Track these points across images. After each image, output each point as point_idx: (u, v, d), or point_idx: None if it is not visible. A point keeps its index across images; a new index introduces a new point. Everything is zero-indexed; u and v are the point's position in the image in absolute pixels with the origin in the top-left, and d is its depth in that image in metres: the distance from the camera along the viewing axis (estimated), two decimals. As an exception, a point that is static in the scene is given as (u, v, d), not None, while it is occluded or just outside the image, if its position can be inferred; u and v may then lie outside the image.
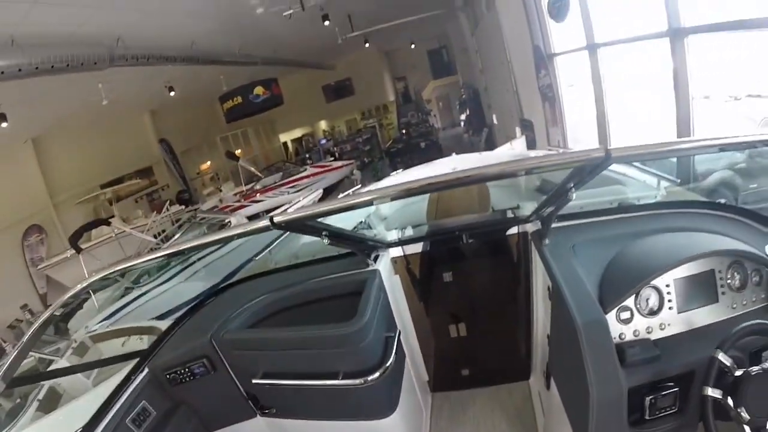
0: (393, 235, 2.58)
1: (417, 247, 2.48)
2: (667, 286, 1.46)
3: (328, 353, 1.76)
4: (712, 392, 1.21)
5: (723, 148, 1.62)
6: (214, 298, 2.40)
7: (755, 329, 1.26)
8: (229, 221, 7.76)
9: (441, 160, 5.41)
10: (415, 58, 20.03)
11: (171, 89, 11.42)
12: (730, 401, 1.19)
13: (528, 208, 2.40)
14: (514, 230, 2.35)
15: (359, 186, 8.08)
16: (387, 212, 4.95)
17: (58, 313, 1.65)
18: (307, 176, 10.42)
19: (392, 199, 1.51)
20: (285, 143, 19.00)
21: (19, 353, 1.61)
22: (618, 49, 5.70)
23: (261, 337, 1.93)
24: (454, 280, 2.56)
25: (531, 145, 8.81)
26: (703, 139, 1.38)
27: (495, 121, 12.96)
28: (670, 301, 1.46)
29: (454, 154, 5.55)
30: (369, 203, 1.44)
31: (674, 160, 3.42)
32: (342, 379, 1.71)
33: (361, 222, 3.86)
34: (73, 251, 7.36)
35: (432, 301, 2.66)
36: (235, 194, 10.55)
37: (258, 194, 9.71)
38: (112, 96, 9.36)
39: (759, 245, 1.50)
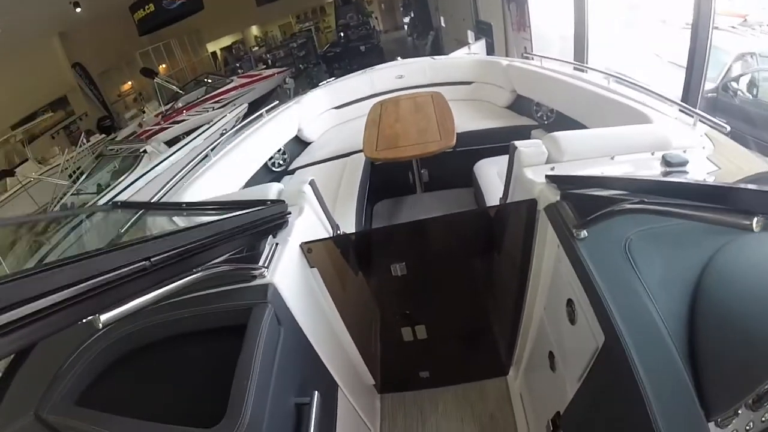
0: (305, 197, 1.69)
1: (350, 221, 1.80)
2: None
3: None
4: None
5: None
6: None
7: None
8: (144, 150, 6.85)
9: (383, 65, 4.47)
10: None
11: (76, 5, 10.11)
12: None
13: (534, 153, 1.64)
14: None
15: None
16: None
17: None
18: (234, 88, 9.31)
19: None
20: (214, 53, 17.20)
21: None
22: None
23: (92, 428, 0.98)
24: (408, 273, 1.77)
25: (489, 51, 7.89)
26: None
27: (443, 24, 12.15)
28: None
29: (399, 58, 4.52)
30: None
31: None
32: None
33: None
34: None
35: (374, 297, 1.96)
36: (157, 115, 9.41)
37: (178, 114, 8.61)
38: (7, 20, 7.95)
39: None
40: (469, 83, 4.24)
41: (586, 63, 5.44)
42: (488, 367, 2.24)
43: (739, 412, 0.84)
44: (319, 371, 1.48)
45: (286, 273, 1.32)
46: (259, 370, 0.97)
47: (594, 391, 1.14)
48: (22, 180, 7.86)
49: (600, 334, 0.99)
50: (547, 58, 3.50)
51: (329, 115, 4.34)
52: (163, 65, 15.46)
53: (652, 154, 1.54)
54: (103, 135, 11.16)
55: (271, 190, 1.72)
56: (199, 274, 0.97)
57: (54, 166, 8.91)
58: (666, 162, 1.33)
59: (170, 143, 7.08)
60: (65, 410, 0.99)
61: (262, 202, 1.53)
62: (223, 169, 2.80)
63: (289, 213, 1.56)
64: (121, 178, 5.85)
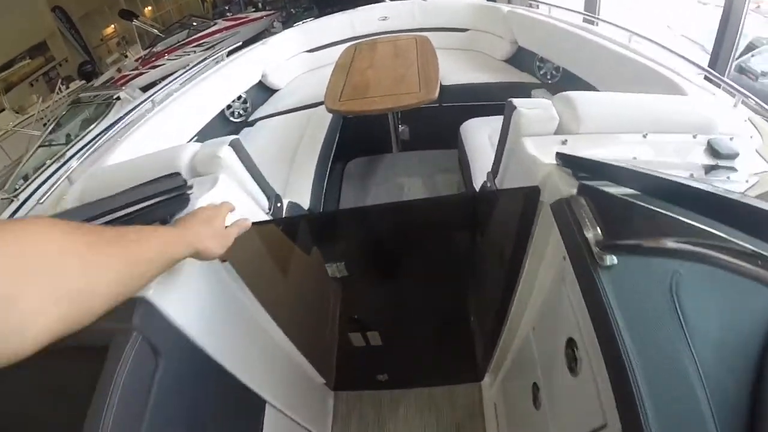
0: (221, 163, 1.31)
1: (307, 183, 1.65)
2: None
3: None
4: None
5: None
6: None
7: None
8: (118, 97, 6.38)
9: (368, 6, 4.00)
10: None
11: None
12: None
13: (540, 117, 1.25)
14: None
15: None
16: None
17: None
18: (217, 31, 8.68)
19: None
20: (202, -5, 16.27)
21: None
22: None
23: None
24: (351, 274, 1.46)
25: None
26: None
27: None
28: None
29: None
30: None
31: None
32: None
33: None
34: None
35: (315, 299, 1.65)
36: (136, 60, 8.83)
37: (158, 58, 8.04)
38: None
39: None
40: (463, 30, 3.76)
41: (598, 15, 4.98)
42: (460, 370, 1.93)
43: None
44: (234, 393, 1.17)
45: (175, 278, 0.91)
46: (112, 420, 0.70)
47: None
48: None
49: (613, 416, 0.65)
50: (555, 6, 3.02)
51: (300, 60, 3.85)
52: (149, 7, 14.63)
53: (694, 137, 1.14)
54: (84, 81, 10.56)
55: (185, 153, 1.30)
56: None
57: (30, 115, 8.46)
58: (713, 151, 1.07)
59: (146, 89, 6.60)
60: None
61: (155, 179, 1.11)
62: (169, 118, 2.36)
63: (190, 188, 1.13)
64: (90, 128, 5.44)
